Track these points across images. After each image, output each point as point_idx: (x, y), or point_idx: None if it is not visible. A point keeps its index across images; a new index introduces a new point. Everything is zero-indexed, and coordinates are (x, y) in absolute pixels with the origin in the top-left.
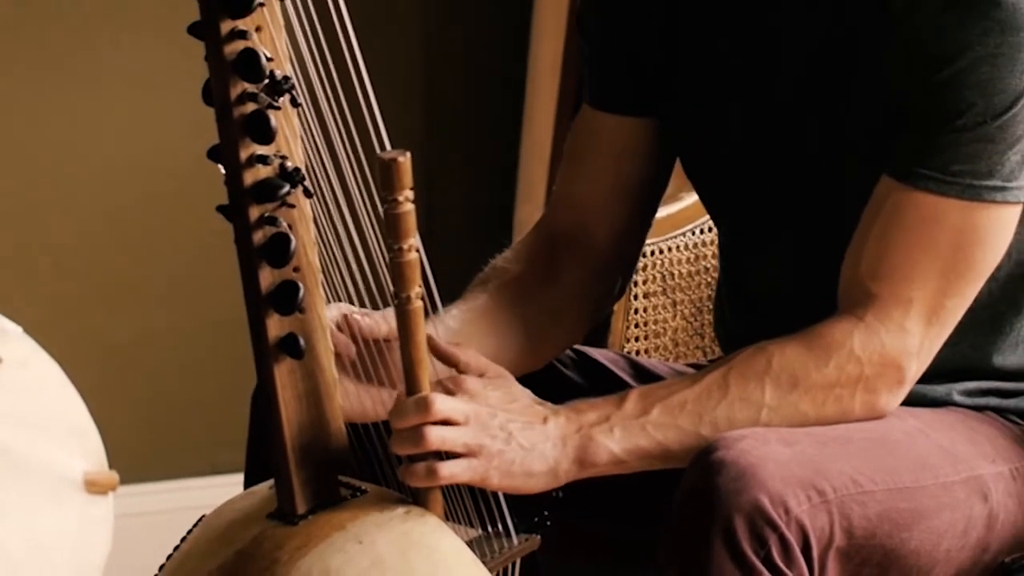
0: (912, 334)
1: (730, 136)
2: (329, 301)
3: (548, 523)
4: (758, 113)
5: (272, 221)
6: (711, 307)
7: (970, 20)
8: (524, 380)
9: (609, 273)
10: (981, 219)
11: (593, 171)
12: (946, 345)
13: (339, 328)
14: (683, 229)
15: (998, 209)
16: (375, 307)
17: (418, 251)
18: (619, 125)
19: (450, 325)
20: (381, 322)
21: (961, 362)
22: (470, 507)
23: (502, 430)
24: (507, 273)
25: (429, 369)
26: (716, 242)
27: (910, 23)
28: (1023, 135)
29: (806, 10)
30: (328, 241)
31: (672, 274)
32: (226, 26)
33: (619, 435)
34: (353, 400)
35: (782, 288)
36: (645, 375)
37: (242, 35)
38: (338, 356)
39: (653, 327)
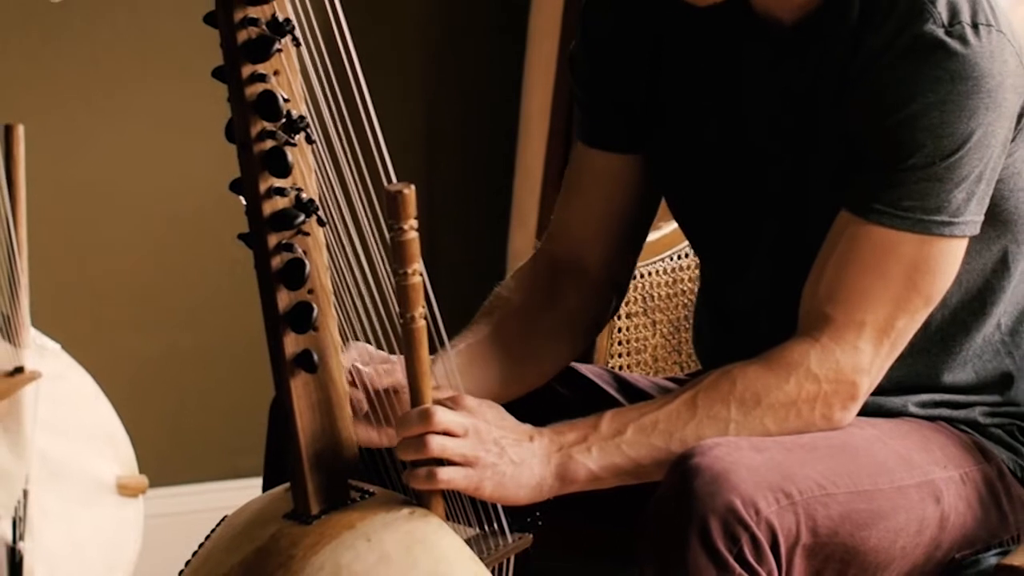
0: (864, 354)
1: (707, 174)
2: (340, 321)
3: (540, 523)
4: (732, 154)
5: (288, 248)
6: (687, 326)
7: (924, 69)
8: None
9: (604, 295)
10: (930, 251)
11: (586, 203)
12: (902, 364)
13: (350, 382)
14: (661, 256)
15: (946, 242)
16: (383, 327)
17: (422, 275)
18: (609, 161)
19: (460, 359)
20: (384, 375)
21: (915, 379)
22: (468, 508)
23: (496, 444)
24: (509, 304)
25: (431, 383)
26: (691, 267)
27: (871, 72)
28: (968, 175)
29: (772, 62)
30: (340, 266)
31: (652, 296)
32: (247, 70)
33: (596, 454)
34: (363, 437)
35: (757, 310)
36: (627, 388)
37: (261, 78)
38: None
39: (635, 344)
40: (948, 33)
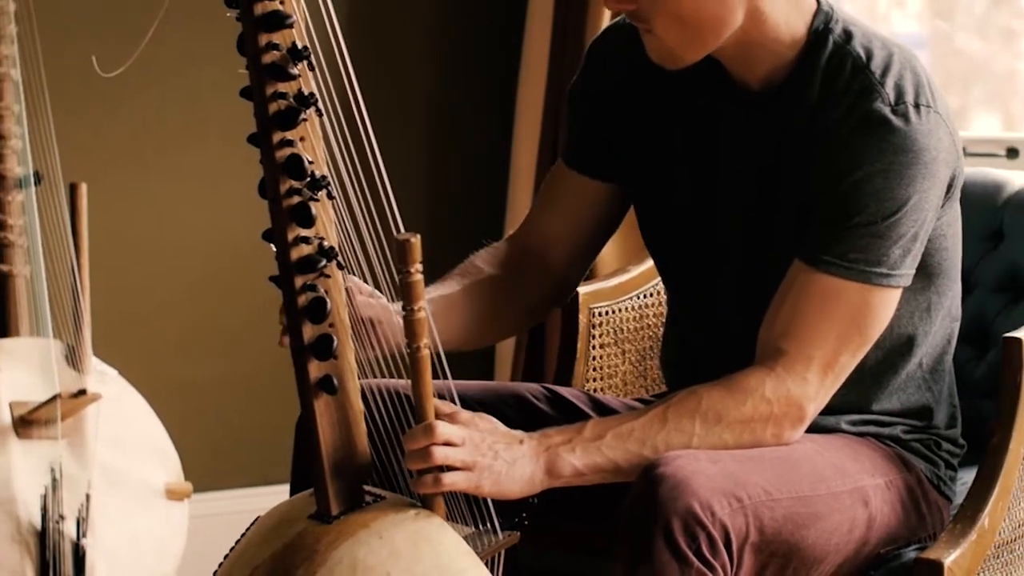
0: (811, 383)
1: (678, 217)
2: (356, 350)
3: (526, 523)
4: (703, 202)
5: (312, 288)
6: (652, 354)
7: (871, 141)
8: (508, 411)
9: (558, 288)
10: (870, 298)
11: (559, 211)
12: (838, 393)
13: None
14: (630, 295)
15: (884, 291)
16: (392, 355)
17: (426, 311)
18: (584, 184)
19: (435, 307)
20: (374, 307)
21: (848, 406)
22: (465, 510)
23: (490, 449)
24: (481, 272)
25: (434, 403)
26: (655, 304)
27: (826, 142)
28: (905, 234)
29: (743, 123)
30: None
31: (622, 329)
32: (277, 136)
33: (579, 453)
34: None
35: (718, 342)
36: (601, 407)
37: (289, 143)
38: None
39: (607, 370)
40: (894, 111)
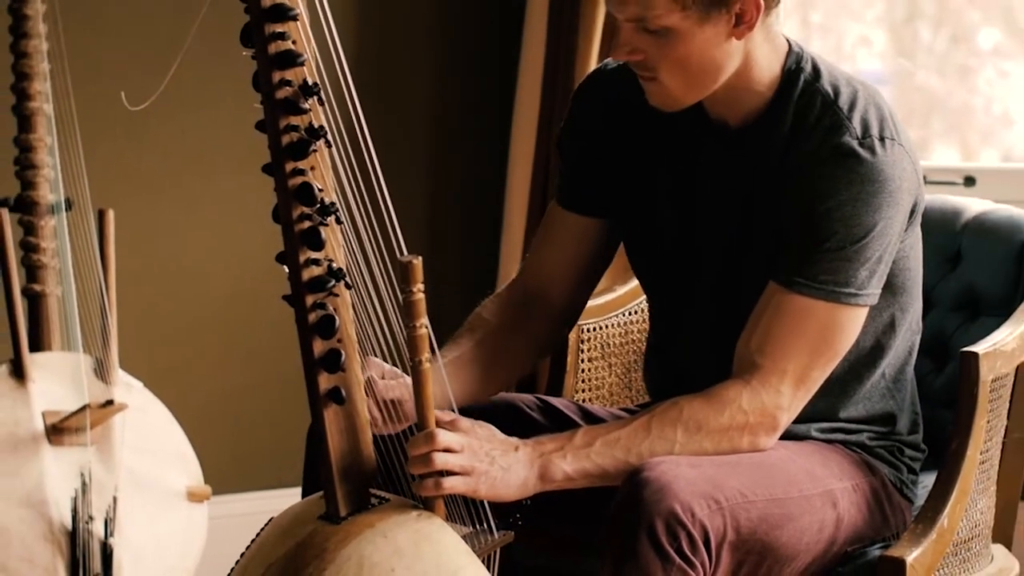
0: (784, 395)
1: (661, 244)
2: (363, 363)
3: (520, 523)
4: (683, 230)
5: (322, 306)
6: (637, 367)
7: (839, 172)
8: (503, 420)
9: (561, 323)
10: (839, 316)
11: (556, 252)
12: (808, 402)
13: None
14: (616, 312)
15: (852, 310)
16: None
17: (427, 328)
18: (578, 222)
19: (449, 368)
20: (394, 388)
21: (817, 414)
22: (463, 511)
23: (487, 455)
24: (488, 325)
25: (435, 413)
26: (640, 321)
27: (799, 173)
28: (872, 256)
29: (721, 157)
30: (362, 320)
31: (608, 344)
32: (289, 166)
33: (570, 459)
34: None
35: (694, 357)
36: (589, 417)
37: (301, 172)
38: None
39: (595, 382)
40: (861, 144)
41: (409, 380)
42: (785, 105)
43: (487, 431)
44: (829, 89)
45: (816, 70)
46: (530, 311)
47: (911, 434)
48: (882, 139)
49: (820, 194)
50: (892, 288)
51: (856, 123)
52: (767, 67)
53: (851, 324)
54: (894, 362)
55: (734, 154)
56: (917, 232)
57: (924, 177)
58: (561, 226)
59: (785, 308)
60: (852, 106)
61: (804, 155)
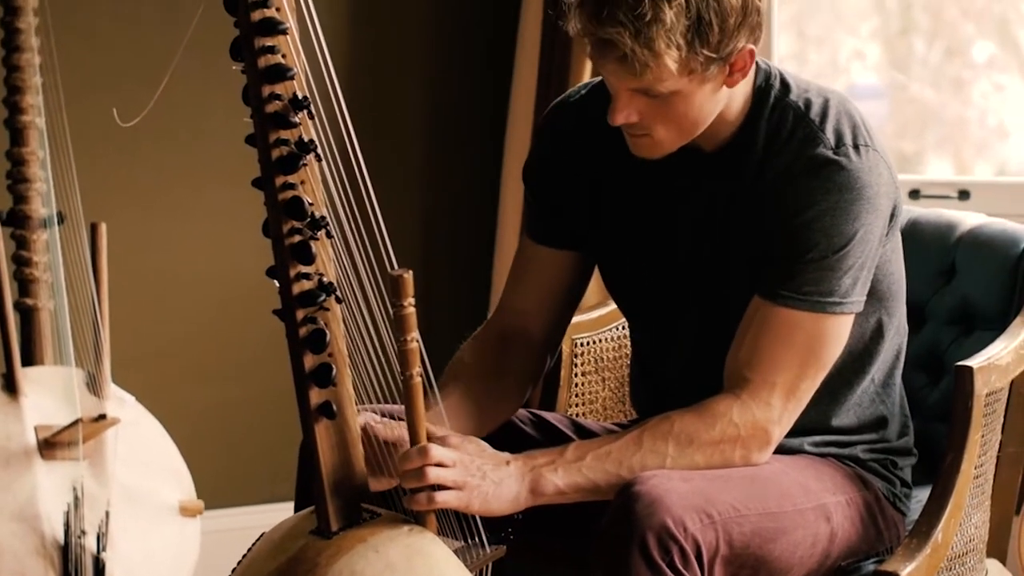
0: (775, 408)
1: (640, 269)
2: (354, 378)
3: (512, 537)
4: (663, 254)
5: (313, 320)
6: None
7: (817, 183)
8: (496, 434)
9: (542, 356)
10: (825, 325)
11: (530, 287)
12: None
13: (362, 438)
14: (609, 326)
15: (837, 319)
16: (387, 382)
17: (418, 342)
18: (551, 255)
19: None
20: (392, 428)
21: (809, 424)
22: (455, 526)
23: (479, 470)
24: (469, 370)
25: (426, 427)
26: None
27: (776, 188)
28: (854, 264)
29: (697, 180)
30: (353, 334)
31: (601, 358)
32: (279, 180)
33: (561, 474)
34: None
35: (680, 376)
36: (582, 431)
37: (291, 187)
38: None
39: (588, 396)
40: (836, 154)
41: (401, 424)
42: (757, 123)
43: (478, 446)
44: (800, 102)
45: (785, 84)
46: (511, 350)
47: (901, 438)
48: (856, 147)
49: (799, 206)
50: (877, 294)
51: (829, 133)
52: (741, 93)
53: (838, 333)
54: (882, 367)
55: (709, 176)
56: (897, 236)
57: (918, 191)
58: (535, 260)
59: (771, 321)
60: (824, 116)
61: (780, 170)
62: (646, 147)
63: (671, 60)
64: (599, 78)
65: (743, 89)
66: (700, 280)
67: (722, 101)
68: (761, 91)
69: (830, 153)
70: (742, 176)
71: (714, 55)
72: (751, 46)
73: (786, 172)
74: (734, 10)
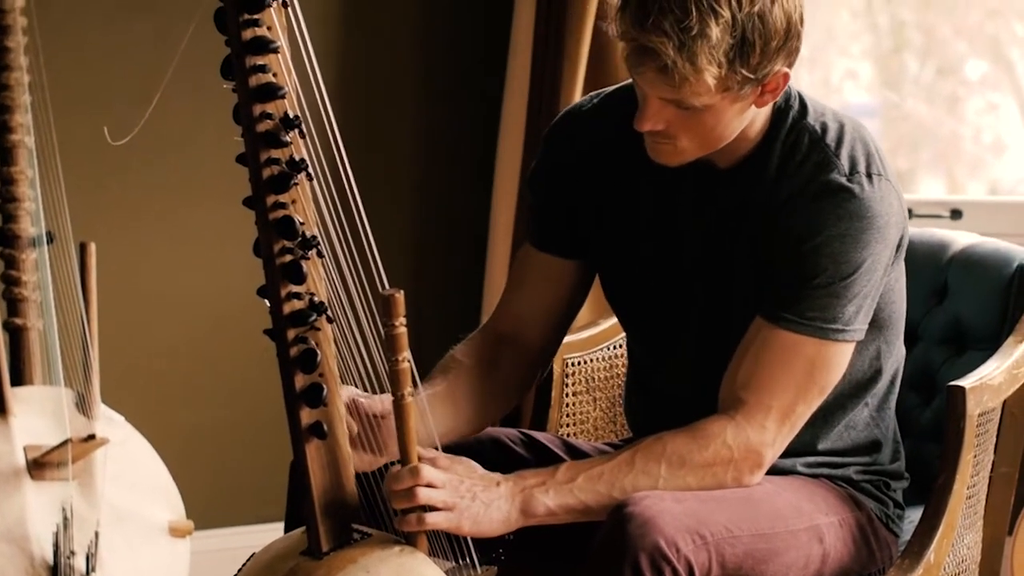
0: (769, 431)
1: (642, 282)
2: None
3: (503, 558)
4: (666, 268)
5: (304, 340)
6: (621, 402)
7: (829, 208)
8: (487, 455)
9: (535, 365)
10: (826, 352)
11: (530, 293)
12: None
13: (348, 411)
14: (600, 346)
15: (839, 345)
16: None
17: (409, 362)
18: (552, 262)
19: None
20: (377, 402)
21: (802, 446)
22: (446, 546)
23: (469, 491)
24: (461, 366)
25: (417, 448)
26: (624, 355)
27: (787, 210)
28: (859, 292)
29: (708, 196)
30: (344, 354)
31: (593, 378)
32: (270, 199)
33: (552, 495)
34: (356, 461)
35: (679, 392)
36: (573, 451)
37: (282, 206)
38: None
39: (579, 416)
40: (849, 180)
41: (388, 397)
42: (773, 143)
43: (468, 467)
44: (816, 126)
45: (803, 106)
46: (503, 354)
47: (893, 462)
48: (869, 175)
49: (809, 230)
50: (878, 322)
51: (844, 160)
52: (763, 113)
53: (838, 360)
54: (878, 393)
55: (721, 192)
56: (901, 266)
57: (910, 211)
58: (536, 268)
59: (771, 343)
60: (839, 142)
61: (792, 192)
62: (666, 153)
63: (711, 76)
64: (609, 88)
65: (766, 109)
66: (703, 294)
67: (747, 119)
68: (780, 111)
69: (843, 180)
70: (753, 194)
71: (751, 76)
72: (786, 69)
73: (798, 195)
74: (777, 33)
